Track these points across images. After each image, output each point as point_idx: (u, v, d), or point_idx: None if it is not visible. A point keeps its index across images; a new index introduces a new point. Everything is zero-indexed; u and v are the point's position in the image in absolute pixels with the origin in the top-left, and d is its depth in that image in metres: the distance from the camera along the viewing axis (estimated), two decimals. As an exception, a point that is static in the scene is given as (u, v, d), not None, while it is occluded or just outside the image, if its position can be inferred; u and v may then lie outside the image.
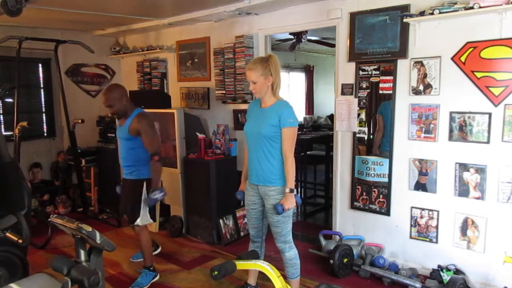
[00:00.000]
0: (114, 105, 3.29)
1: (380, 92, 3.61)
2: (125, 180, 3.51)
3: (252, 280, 3.18)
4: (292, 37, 6.68)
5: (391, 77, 3.52)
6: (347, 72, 3.81)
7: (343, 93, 3.87)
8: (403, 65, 3.45)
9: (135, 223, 3.38)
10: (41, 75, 5.68)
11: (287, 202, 2.68)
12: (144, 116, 3.35)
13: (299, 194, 5.73)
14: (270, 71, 2.71)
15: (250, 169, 2.89)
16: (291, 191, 2.68)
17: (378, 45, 3.55)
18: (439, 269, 3.28)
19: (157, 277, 3.53)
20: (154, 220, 3.56)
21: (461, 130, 3.19)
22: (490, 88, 3.03)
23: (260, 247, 3.02)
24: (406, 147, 3.51)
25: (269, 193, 2.77)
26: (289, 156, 2.69)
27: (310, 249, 3.93)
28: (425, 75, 3.32)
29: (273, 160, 2.74)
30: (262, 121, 2.75)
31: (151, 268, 3.50)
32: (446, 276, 3.17)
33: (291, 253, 2.88)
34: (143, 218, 3.38)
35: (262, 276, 3.01)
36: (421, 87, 3.36)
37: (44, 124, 5.74)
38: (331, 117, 8.50)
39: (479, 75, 3.06)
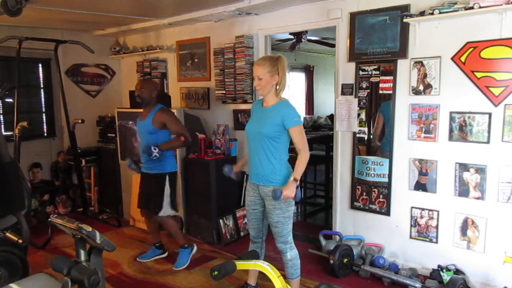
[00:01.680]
0: (144, 90, 3.63)
1: (380, 92, 3.61)
2: (145, 175, 3.74)
3: (252, 280, 3.18)
4: (292, 37, 6.68)
5: (391, 77, 3.52)
6: (347, 72, 3.81)
7: (343, 93, 3.87)
8: (403, 65, 3.45)
9: (159, 215, 3.69)
10: (41, 75, 5.67)
11: (287, 190, 2.63)
12: (165, 109, 3.75)
13: (299, 194, 5.72)
14: (278, 70, 2.72)
15: (250, 168, 2.89)
16: (295, 180, 2.65)
17: (378, 45, 3.55)
18: (439, 269, 3.28)
19: (195, 249, 3.87)
20: (177, 211, 3.89)
21: (461, 130, 3.19)
22: (490, 88, 3.03)
23: (260, 247, 3.02)
24: (406, 147, 3.51)
25: (269, 194, 2.76)
26: (304, 151, 2.69)
27: (310, 249, 3.93)
28: (425, 75, 3.32)
29: (274, 160, 2.74)
30: (264, 120, 2.76)
31: (186, 246, 3.80)
32: (446, 276, 3.17)
33: (292, 254, 2.87)
34: (166, 210, 3.69)
35: (262, 276, 3.01)
36: (421, 87, 3.36)
37: (44, 124, 5.73)
38: (331, 117, 8.50)
39: (479, 75, 3.06)
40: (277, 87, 2.77)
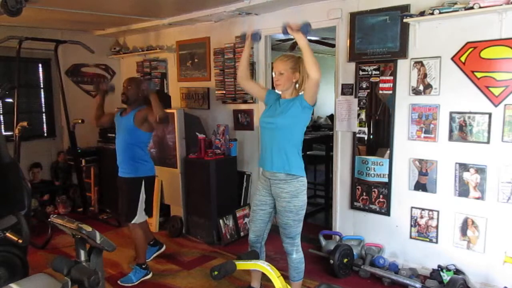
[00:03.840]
0: (131, 88, 3.45)
1: (380, 92, 3.61)
2: (120, 179, 3.55)
3: (255, 283, 3.13)
4: (292, 37, 6.67)
5: (391, 77, 3.52)
6: (347, 72, 3.81)
7: (343, 93, 3.87)
8: (403, 65, 3.45)
9: (133, 222, 3.46)
10: (41, 75, 5.68)
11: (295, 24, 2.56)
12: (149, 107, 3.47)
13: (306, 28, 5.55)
14: (299, 68, 2.73)
15: (262, 157, 2.84)
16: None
17: (378, 45, 3.55)
18: (439, 269, 3.28)
19: (149, 276, 3.56)
20: (150, 216, 3.65)
21: (461, 130, 3.19)
22: (490, 88, 3.03)
23: (259, 252, 2.97)
24: (406, 147, 3.51)
25: (282, 195, 2.73)
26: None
27: (310, 249, 3.92)
28: (425, 75, 3.32)
29: (288, 151, 2.70)
30: (281, 111, 2.73)
31: (144, 266, 3.55)
32: (446, 276, 3.17)
33: (297, 257, 2.84)
34: (140, 217, 3.47)
35: (262, 276, 3.02)
36: (421, 87, 3.36)
37: (44, 124, 5.73)
38: (331, 117, 8.50)
39: (479, 75, 3.06)
40: (297, 85, 2.78)
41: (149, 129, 3.48)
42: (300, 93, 2.80)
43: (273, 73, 2.81)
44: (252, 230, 2.95)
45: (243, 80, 2.96)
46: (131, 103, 3.49)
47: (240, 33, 2.93)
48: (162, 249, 3.98)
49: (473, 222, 3.21)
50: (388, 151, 3.60)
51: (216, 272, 2.06)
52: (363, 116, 3.75)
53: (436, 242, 3.42)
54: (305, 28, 2.54)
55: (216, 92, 4.86)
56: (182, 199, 4.60)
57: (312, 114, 10.38)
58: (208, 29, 4.93)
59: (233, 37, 4.56)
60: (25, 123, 4.26)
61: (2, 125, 5.22)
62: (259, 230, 2.92)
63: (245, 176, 4.70)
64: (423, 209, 3.47)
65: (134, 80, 3.61)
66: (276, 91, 2.89)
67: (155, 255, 3.92)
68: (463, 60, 3.12)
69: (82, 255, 2.04)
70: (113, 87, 3.64)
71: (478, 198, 3.16)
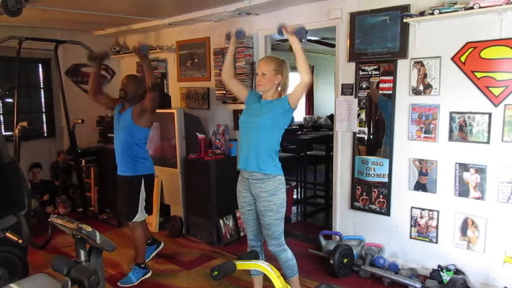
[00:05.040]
0: (130, 85, 3.43)
1: (380, 92, 3.61)
2: (120, 177, 3.55)
3: None
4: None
5: (391, 77, 3.52)
6: (347, 72, 3.82)
7: (343, 93, 3.87)
8: (403, 65, 3.45)
9: (134, 220, 3.47)
10: (41, 75, 5.68)
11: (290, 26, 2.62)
12: None
13: (299, 194, 5.73)
14: (282, 71, 2.78)
15: (240, 156, 2.85)
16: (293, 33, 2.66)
17: (378, 45, 3.55)
18: (439, 269, 3.28)
19: (149, 275, 3.58)
20: (150, 213, 3.66)
21: (461, 130, 3.19)
22: (490, 88, 3.03)
23: (260, 252, 2.96)
24: (406, 147, 3.51)
25: (261, 195, 2.74)
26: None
27: (310, 249, 3.93)
28: (425, 75, 3.33)
29: (264, 151, 2.71)
30: (261, 112, 2.75)
31: (142, 265, 3.55)
32: (446, 276, 3.17)
33: (286, 255, 2.85)
34: (140, 215, 3.48)
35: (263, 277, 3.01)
36: (421, 87, 3.36)
37: (44, 124, 5.73)
38: (331, 117, 8.49)
39: (479, 75, 3.06)
40: (279, 88, 2.80)
41: (147, 123, 3.46)
42: (282, 95, 2.82)
43: (256, 73, 2.84)
44: (248, 230, 2.97)
45: (227, 78, 3.03)
46: (129, 100, 3.46)
47: (225, 32, 3.03)
48: (160, 247, 3.97)
49: (473, 222, 3.21)
50: (388, 151, 3.60)
51: (216, 272, 2.06)
52: (363, 116, 3.75)
53: (436, 242, 3.42)
54: (300, 33, 2.60)
55: (216, 92, 4.86)
56: (182, 199, 4.60)
57: (312, 114, 10.30)
58: (208, 29, 4.93)
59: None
60: (25, 123, 4.26)
61: (2, 125, 5.22)
62: (255, 229, 2.94)
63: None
64: (423, 209, 3.47)
65: (133, 77, 3.61)
66: (258, 91, 2.90)
67: (154, 253, 3.92)
68: (463, 60, 3.12)
69: (82, 255, 2.04)
70: (108, 53, 3.58)
71: (478, 198, 3.16)
